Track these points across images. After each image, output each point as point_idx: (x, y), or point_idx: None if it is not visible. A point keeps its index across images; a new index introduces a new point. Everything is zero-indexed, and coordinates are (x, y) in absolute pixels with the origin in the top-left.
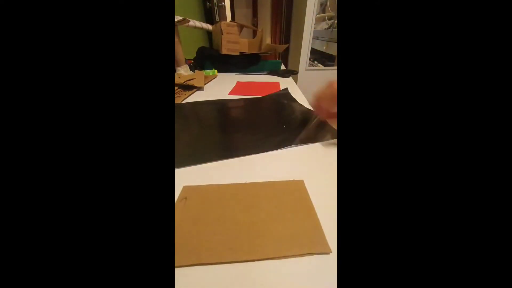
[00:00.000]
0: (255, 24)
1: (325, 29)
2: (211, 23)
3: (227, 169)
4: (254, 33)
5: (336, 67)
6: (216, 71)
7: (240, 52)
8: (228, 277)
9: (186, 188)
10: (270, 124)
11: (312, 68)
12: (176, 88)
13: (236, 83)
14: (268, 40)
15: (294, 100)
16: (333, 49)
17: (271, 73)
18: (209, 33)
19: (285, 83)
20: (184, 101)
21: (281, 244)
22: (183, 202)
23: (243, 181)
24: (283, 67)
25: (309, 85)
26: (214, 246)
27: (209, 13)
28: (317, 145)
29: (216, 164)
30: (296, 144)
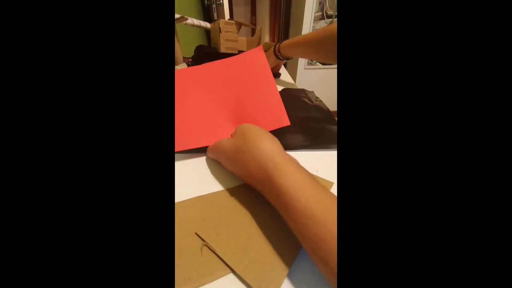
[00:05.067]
0: (253, 22)
1: None
2: (209, 21)
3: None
4: (253, 31)
5: (335, 66)
6: None
7: (239, 51)
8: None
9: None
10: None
11: (311, 67)
12: None
13: None
14: (266, 38)
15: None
16: None
17: None
18: (207, 31)
19: (284, 83)
20: None
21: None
22: None
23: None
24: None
25: (308, 84)
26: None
27: (207, 11)
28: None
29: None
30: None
